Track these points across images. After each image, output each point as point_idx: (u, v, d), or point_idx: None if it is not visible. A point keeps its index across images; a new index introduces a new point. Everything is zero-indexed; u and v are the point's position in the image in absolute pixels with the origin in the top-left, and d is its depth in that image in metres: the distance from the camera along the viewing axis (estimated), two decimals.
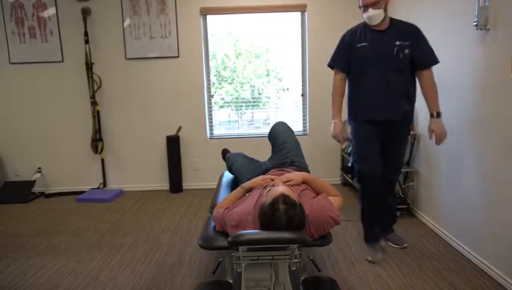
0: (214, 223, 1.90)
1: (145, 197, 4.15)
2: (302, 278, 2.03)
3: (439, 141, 2.32)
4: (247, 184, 2.04)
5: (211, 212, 2.02)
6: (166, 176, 4.37)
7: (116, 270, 2.48)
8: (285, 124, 2.58)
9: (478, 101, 2.34)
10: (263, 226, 1.59)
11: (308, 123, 4.34)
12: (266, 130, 4.39)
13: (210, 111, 4.41)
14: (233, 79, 4.40)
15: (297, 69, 4.33)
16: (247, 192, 2.02)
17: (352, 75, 2.46)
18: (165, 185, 4.41)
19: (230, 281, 2.04)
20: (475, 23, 2.22)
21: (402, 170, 2.95)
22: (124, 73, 4.24)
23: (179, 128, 4.33)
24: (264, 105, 4.47)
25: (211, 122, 4.43)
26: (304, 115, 4.38)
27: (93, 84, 4.20)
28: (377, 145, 2.43)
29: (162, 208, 3.76)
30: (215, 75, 4.38)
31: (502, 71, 2.10)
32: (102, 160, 4.39)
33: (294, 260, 1.51)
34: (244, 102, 4.45)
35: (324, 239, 1.76)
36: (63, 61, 4.22)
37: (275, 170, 2.26)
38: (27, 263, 2.62)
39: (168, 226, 3.26)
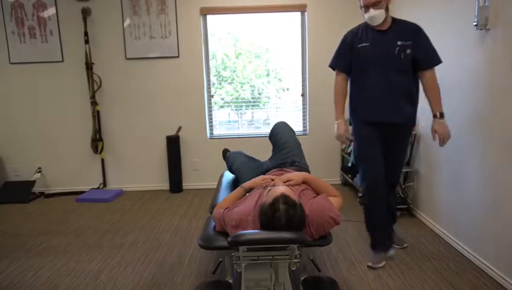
0: (214, 223, 1.90)
1: (145, 197, 4.15)
2: (302, 278, 2.03)
3: (442, 142, 2.27)
4: (247, 184, 2.05)
5: (211, 212, 2.03)
6: (166, 176, 4.37)
7: (116, 270, 2.48)
8: (286, 124, 2.57)
9: (478, 101, 2.34)
10: (263, 226, 1.59)
11: (308, 123, 4.34)
12: (266, 130, 4.40)
13: (210, 111, 4.41)
14: (233, 79, 4.40)
15: (297, 69, 4.33)
16: (247, 192, 2.02)
17: (354, 75, 2.43)
18: (165, 185, 4.41)
19: (230, 281, 2.04)
20: (475, 23, 2.22)
21: (402, 170, 2.92)
22: (124, 73, 4.24)
23: (179, 129, 4.33)
24: (264, 105, 4.47)
25: (211, 122, 4.43)
26: (304, 115, 4.38)
27: (93, 84, 4.20)
28: (378, 147, 2.38)
29: (162, 208, 3.76)
30: (215, 75, 4.38)
31: (502, 71, 2.10)
32: (102, 160, 4.39)
33: (294, 260, 1.51)
34: (244, 102, 4.45)
35: (324, 239, 1.76)
36: (63, 61, 4.22)
37: (275, 170, 2.26)
38: (27, 263, 2.62)
39: (168, 226, 3.26)
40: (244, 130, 4.50)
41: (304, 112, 4.38)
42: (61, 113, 4.31)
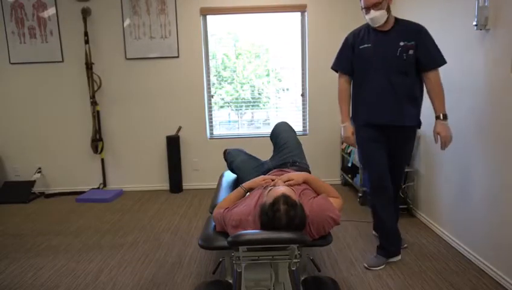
0: (214, 224, 1.90)
1: (145, 197, 4.15)
2: (302, 278, 2.03)
3: (444, 145, 2.23)
4: (247, 184, 2.05)
5: (211, 212, 2.03)
6: (166, 176, 4.37)
7: (116, 270, 2.48)
8: (287, 124, 2.57)
9: (478, 101, 2.34)
10: (263, 226, 1.59)
11: (308, 123, 4.34)
12: (266, 130, 4.40)
13: (210, 111, 4.41)
14: (233, 79, 4.40)
15: (297, 69, 4.33)
16: (247, 192, 2.02)
17: (356, 77, 2.40)
18: (165, 185, 4.41)
19: (230, 281, 2.04)
20: (475, 23, 2.22)
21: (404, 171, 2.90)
22: (124, 73, 4.24)
23: (179, 129, 4.33)
24: (264, 105, 4.47)
25: (211, 122, 4.43)
26: (304, 115, 4.38)
27: (93, 84, 4.20)
28: (381, 147, 2.36)
29: (162, 208, 3.76)
30: (215, 75, 4.38)
31: (502, 71, 2.10)
32: (102, 160, 4.39)
33: (294, 260, 1.51)
34: (244, 102, 4.45)
35: (324, 239, 1.76)
36: (63, 61, 4.22)
37: (275, 170, 2.26)
38: (27, 263, 2.62)
39: (168, 226, 3.26)
40: (244, 130, 4.50)
41: (303, 112, 4.38)
42: (61, 113, 4.32)
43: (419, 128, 2.40)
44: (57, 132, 4.35)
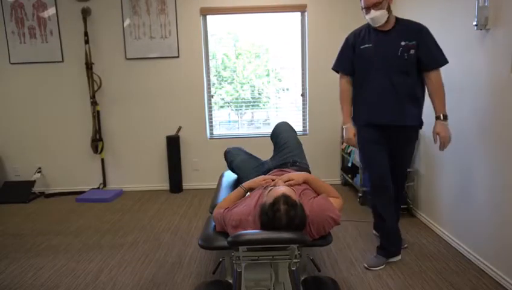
0: (214, 224, 1.90)
1: (145, 197, 4.15)
2: (302, 278, 2.03)
3: (443, 146, 2.22)
4: (246, 184, 2.05)
5: (211, 212, 2.03)
6: (166, 176, 4.37)
7: (116, 270, 2.48)
8: (288, 124, 2.57)
9: (478, 101, 2.34)
10: (264, 226, 1.59)
11: (308, 123, 4.34)
12: (266, 130, 4.40)
13: (210, 111, 4.41)
14: (233, 79, 4.40)
15: (297, 69, 4.33)
16: (247, 192, 2.02)
17: (357, 77, 2.39)
18: (165, 185, 4.41)
19: (230, 281, 2.04)
20: (475, 23, 2.22)
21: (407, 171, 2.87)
22: (124, 73, 4.24)
23: (179, 129, 4.33)
24: (264, 105, 4.47)
25: (211, 122, 4.43)
26: (304, 115, 4.38)
27: (93, 84, 4.20)
28: (382, 147, 2.35)
29: (162, 208, 3.76)
30: (215, 75, 4.38)
31: (502, 71, 2.10)
32: (102, 160, 4.39)
33: (294, 260, 1.51)
34: (244, 102, 4.45)
35: (324, 239, 1.76)
36: (63, 61, 4.22)
37: (276, 170, 2.26)
38: (27, 263, 2.62)
39: (168, 226, 3.26)
40: (244, 130, 4.50)
41: (303, 112, 4.38)
42: (61, 113, 4.32)
43: (421, 128, 2.39)
44: (57, 132, 4.35)
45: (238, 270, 1.56)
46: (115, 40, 4.17)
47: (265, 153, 2.83)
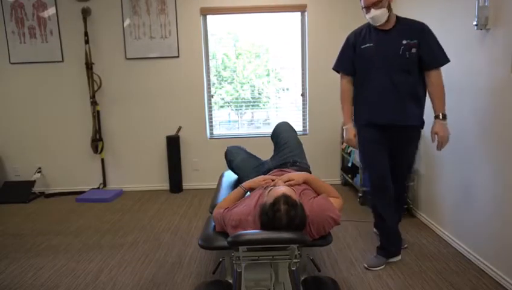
0: (213, 224, 1.90)
1: (145, 197, 4.15)
2: (302, 278, 2.03)
3: (440, 145, 2.22)
4: (246, 184, 2.05)
5: (211, 212, 2.02)
6: (166, 176, 4.37)
7: (116, 270, 2.48)
8: (288, 124, 2.57)
9: (477, 101, 2.34)
10: (264, 226, 1.59)
11: (308, 123, 4.34)
12: (266, 130, 4.40)
13: (210, 111, 4.41)
14: (233, 79, 4.40)
15: (297, 69, 4.33)
16: (247, 192, 2.02)
17: (358, 77, 2.37)
18: (165, 185, 4.41)
19: (230, 281, 2.04)
20: (475, 23, 2.21)
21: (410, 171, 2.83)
22: (124, 73, 4.24)
23: (179, 129, 4.33)
24: (264, 105, 4.47)
25: (211, 122, 4.43)
26: (304, 115, 4.38)
27: (93, 84, 4.20)
28: (382, 147, 2.33)
29: (162, 208, 3.76)
30: (215, 75, 4.38)
31: (502, 71, 2.10)
32: (102, 160, 4.39)
33: (294, 260, 1.51)
34: (244, 102, 4.45)
35: (324, 239, 1.76)
36: (63, 61, 4.22)
37: (276, 170, 2.26)
38: (27, 263, 2.62)
39: (168, 226, 3.26)
40: (244, 130, 4.50)
41: (303, 112, 4.38)
42: (61, 113, 4.31)
43: (422, 128, 2.38)
44: (57, 132, 4.35)
45: (238, 270, 1.56)
46: (115, 40, 4.17)
47: (265, 153, 2.83)
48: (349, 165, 3.95)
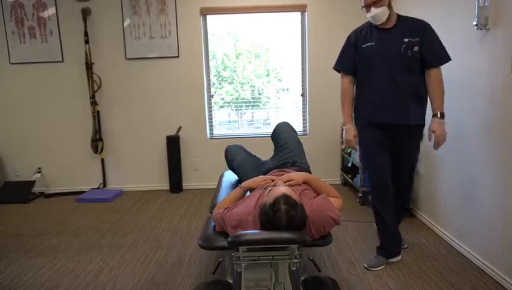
0: (213, 224, 1.90)
1: (145, 197, 4.15)
2: (302, 278, 2.03)
3: (437, 145, 2.21)
4: (246, 183, 2.05)
5: (211, 212, 2.02)
6: (166, 176, 4.37)
7: (116, 270, 2.48)
8: (288, 124, 2.57)
9: (477, 101, 2.34)
10: (264, 226, 1.59)
11: (308, 123, 4.34)
12: (266, 130, 4.40)
13: (210, 111, 4.41)
14: (233, 79, 4.40)
15: (297, 69, 4.33)
16: (247, 191, 2.02)
17: (359, 76, 2.36)
18: (165, 185, 4.41)
19: (230, 281, 2.04)
20: (475, 23, 2.21)
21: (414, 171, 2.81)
22: (124, 73, 4.24)
23: (179, 129, 4.33)
24: (264, 105, 4.47)
25: (211, 122, 4.43)
26: (304, 115, 4.38)
27: (93, 84, 4.20)
28: (383, 147, 2.32)
29: (162, 208, 3.76)
30: (215, 75, 4.38)
31: (502, 71, 2.10)
32: (102, 160, 4.39)
33: (294, 260, 1.51)
34: (244, 102, 4.45)
35: (324, 239, 1.76)
36: (63, 61, 4.22)
37: (276, 170, 2.26)
38: (27, 263, 2.62)
39: (168, 226, 3.26)
40: (244, 130, 4.50)
41: (303, 112, 4.38)
42: (61, 113, 4.31)
43: (424, 127, 2.37)
44: (57, 132, 4.35)
45: (238, 270, 1.56)
46: (115, 40, 4.17)
47: (265, 153, 2.83)
48: (349, 165, 3.95)
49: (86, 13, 4.07)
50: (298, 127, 4.39)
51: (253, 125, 4.51)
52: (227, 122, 4.51)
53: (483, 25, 2.19)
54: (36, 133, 4.35)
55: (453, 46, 2.57)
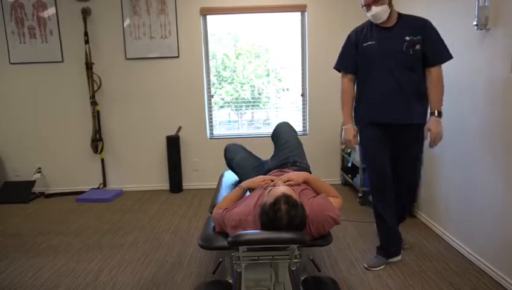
0: (213, 224, 1.90)
1: (145, 197, 4.15)
2: (302, 278, 2.03)
3: (433, 142, 2.18)
4: (245, 183, 2.05)
5: (211, 212, 2.02)
6: (166, 176, 4.37)
7: (116, 270, 2.48)
8: (288, 124, 2.56)
9: (478, 101, 2.34)
10: (264, 226, 1.59)
11: (308, 123, 4.34)
12: (266, 130, 4.40)
13: (210, 111, 4.41)
14: (233, 79, 4.40)
15: (297, 69, 4.33)
16: (246, 191, 2.02)
17: (360, 76, 2.34)
18: (165, 185, 4.41)
19: (230, 281, 2.04)
20: (475, 23, 2.21)
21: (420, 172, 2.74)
22: (124, 73, 4.24)
23: (179, 129, 4.33)
24: (264, 105, 4.47)
25: (211, 122, 4.43)
26: (304, 115, 4.38)
27: (93, 84, 4.20)
28: (384, 146, 2.30)
29: (162, 208, 3.76)
30: (215, 75, 4.38)
31: (502, 71, 2.09)
32: (102, 160, 4.39)
33: (294, 260, 1.51)
34: (244, 102, 4.45)
35: (324, 239, 1.76)
36: (63, 61, 4.22)
37: (276, 170, 2.26)
38: (27, 263, 2.62)
39: (168, 226, 3.26)
40: (244, 130, 4.50)
41: (303, 112, 4.38)
42: (61, 113, 4.31)
43: (424, 124, 2.34)
44: (57, 132, 4.35)
45: (238, 270, 1.56)
46: (115, 40, 4.17)
47: (265, 153, 2.83)
48: (349, 165, 3.95)
49: (86, 13, 4.07)
50: (298, 127, 4.39)
51: (253, 125, 4.51)
52: (227, 122, 4.51)
53: (483, 25, 2.19)
54: (36, 133, 4.35)
55: (453, 46, 2.57)
